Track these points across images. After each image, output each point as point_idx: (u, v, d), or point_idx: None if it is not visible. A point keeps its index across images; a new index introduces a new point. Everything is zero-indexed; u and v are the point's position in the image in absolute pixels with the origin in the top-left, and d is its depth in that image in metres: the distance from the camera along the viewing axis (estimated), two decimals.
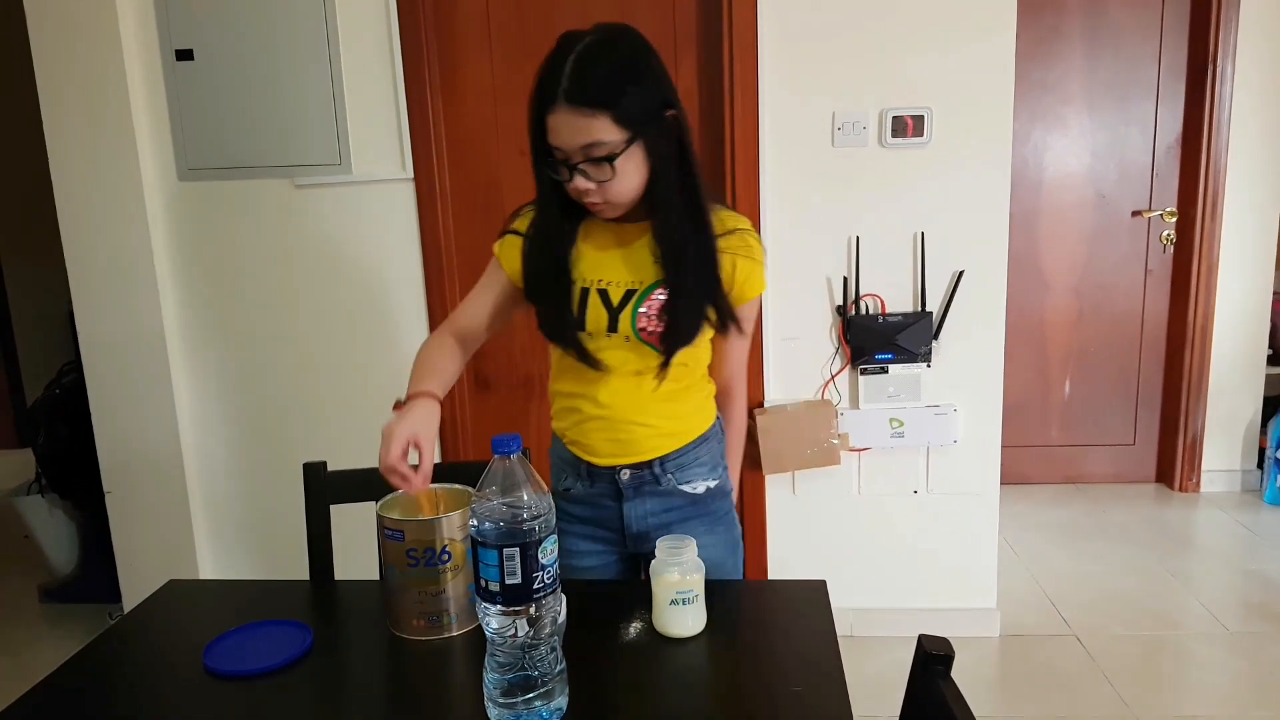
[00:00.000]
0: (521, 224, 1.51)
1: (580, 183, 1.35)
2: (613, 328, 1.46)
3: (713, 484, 1.60)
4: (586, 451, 1.55)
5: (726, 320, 1.47)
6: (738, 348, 1.62)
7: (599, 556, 1.61)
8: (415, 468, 1.30)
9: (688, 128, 1.39)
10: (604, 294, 1.46)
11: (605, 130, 1.30)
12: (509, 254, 1.52)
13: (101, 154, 2.66)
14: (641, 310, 1.44)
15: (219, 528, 2.93)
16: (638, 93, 1.32)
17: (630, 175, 1.35)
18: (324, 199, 2.71)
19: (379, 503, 1.35)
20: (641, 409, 1.52)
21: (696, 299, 1.43)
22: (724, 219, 1.48)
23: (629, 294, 1.45)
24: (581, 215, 1.46)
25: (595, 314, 1.46)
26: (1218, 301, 3.80)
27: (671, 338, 1.45)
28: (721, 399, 1.65)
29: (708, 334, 1.51)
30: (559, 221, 1.45)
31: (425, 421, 1.33)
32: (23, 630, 3.19)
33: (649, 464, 1.54)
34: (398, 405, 1.37)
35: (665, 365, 1.47)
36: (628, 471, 1.54)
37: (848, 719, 1.07)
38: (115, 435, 2.82)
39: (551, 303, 1.48)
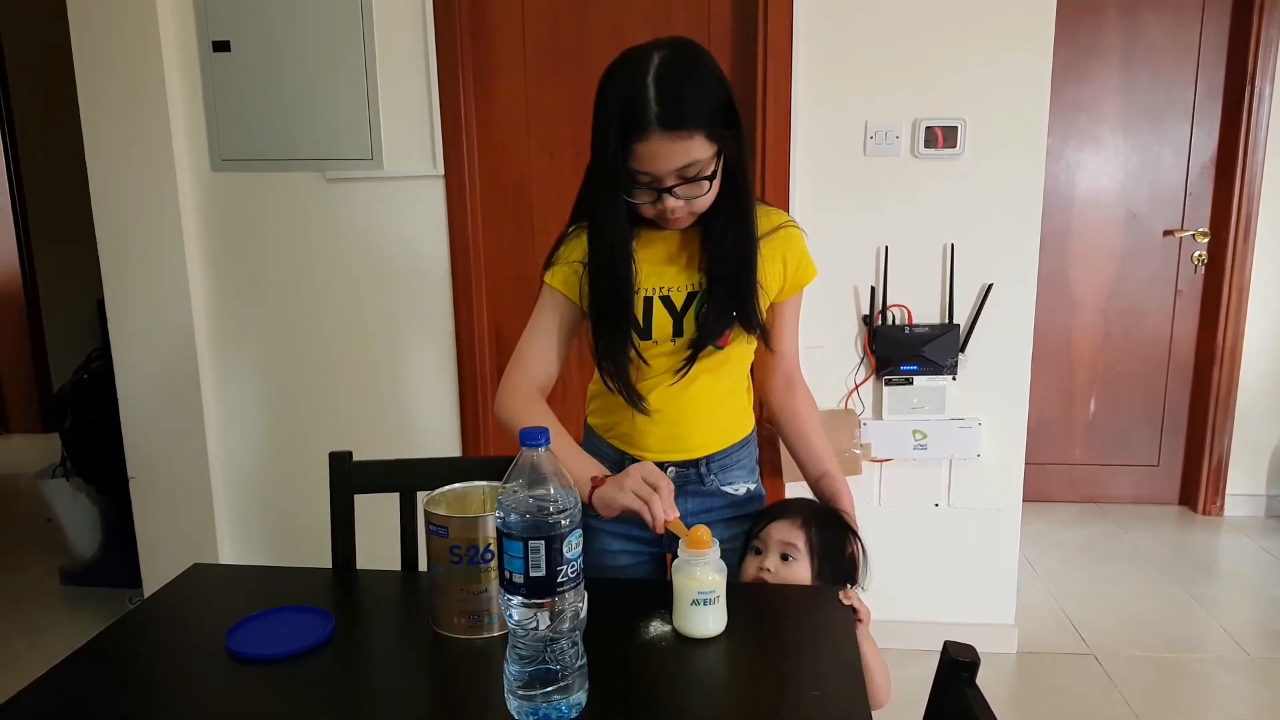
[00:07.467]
0: (572, 253, 1.47)
1: (671, 203, 1.34)
2: (678, 332, 1.47)
3: (751, 486, 1.63)
4: (635, 446, 1.55)
5: (754, 320, 1.46)
6: (792, 337, 1.62)
7: (632, 556, 1.61)
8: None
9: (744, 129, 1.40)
10: (667, 300, 1.46)
11: (700, 149, 1.29)
12: (569, 282, 1.48)
13: (136, 142, 2.68)
14: (705, 311, 1.46)
15: (241, 517, 2.95)
16: (718, 105, 1.31)
17: (716, 186, 1.36)
18: (355, 193, 2.73)
19: (426, 497, 1.34)
20: (695, 407, 1.53)
21: (732, 299, 1.44)
22: (769, 216, 1.50)
23: (691, 296, 1.46)
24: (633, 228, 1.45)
25: (660, 321, 1.47)
26: (1248, 324, 3.76)
27: (703, 336, 1.46)
28: (784, 391, 1.62)
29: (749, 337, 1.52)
30: (626, 241, 1.42)
31: (640, 477, 1.31)
32: (44, 612, 3.22)
33: (696, 463, 1.55)
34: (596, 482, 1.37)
35: (691, 361, 1.47)
36: (674, 469, 1.54)
37: None
38: (141, 422, 2.84)
39: (617, 323, 1.45)
